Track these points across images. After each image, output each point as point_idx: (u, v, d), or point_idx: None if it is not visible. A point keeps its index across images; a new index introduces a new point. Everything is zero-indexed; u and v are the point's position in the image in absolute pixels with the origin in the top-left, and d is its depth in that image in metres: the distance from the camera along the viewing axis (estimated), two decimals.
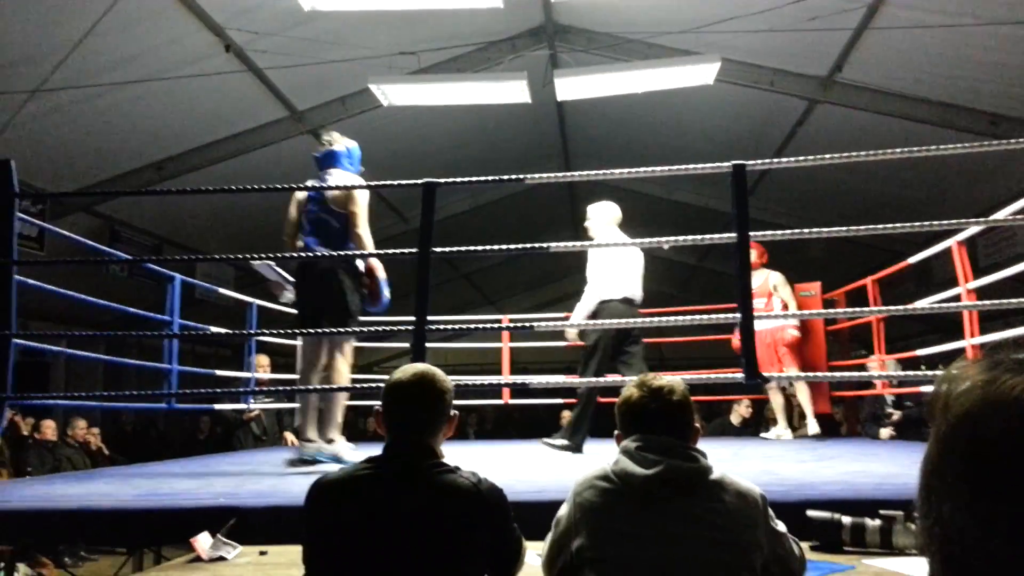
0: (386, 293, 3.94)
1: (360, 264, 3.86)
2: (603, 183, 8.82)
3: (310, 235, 3.86)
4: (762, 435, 6.55)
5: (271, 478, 3.55)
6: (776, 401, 6.24)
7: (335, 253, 3.71)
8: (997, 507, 0.48)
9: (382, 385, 1.91)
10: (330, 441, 3.74)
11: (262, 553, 2.35)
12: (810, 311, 6.11)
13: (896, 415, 5.80)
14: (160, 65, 5.92)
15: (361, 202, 3.82)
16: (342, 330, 3.71)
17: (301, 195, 3.98)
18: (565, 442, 4.63)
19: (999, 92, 6.09)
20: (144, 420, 10.37)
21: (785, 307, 5.93)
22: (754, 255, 5.87)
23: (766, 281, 5.99)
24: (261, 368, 6.54)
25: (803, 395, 6.10)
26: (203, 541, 2.32)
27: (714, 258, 12.20)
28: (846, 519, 2.22)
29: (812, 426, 6.00)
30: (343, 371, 3.82)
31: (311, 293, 3.82)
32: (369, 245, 3.82)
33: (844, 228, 3.30)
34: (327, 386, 3.74)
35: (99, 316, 8.58)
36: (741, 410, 7.38)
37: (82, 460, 6.91)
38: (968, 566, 0.50)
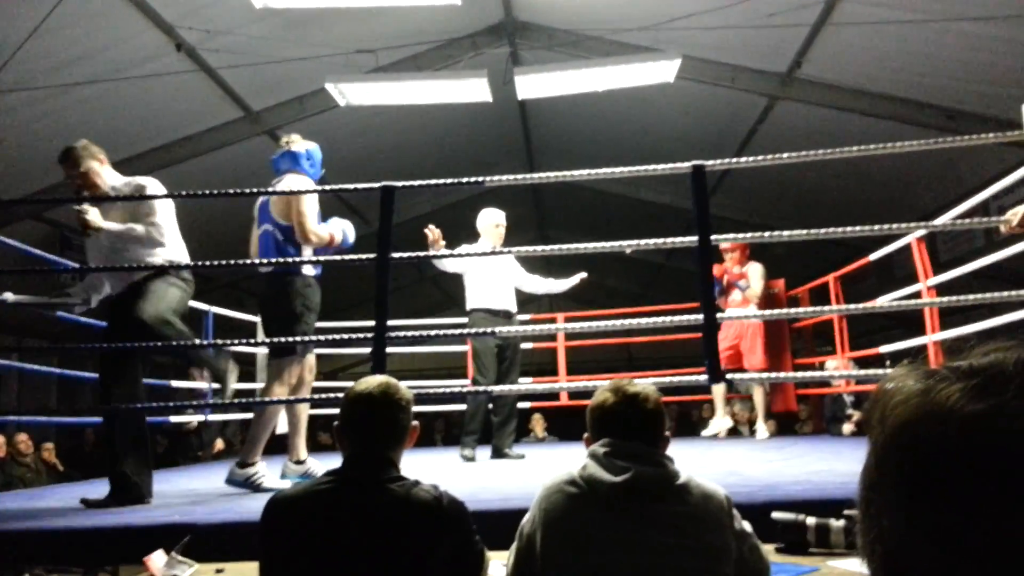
0: (351, 237, 3.80)
1: (310, 270, 3.67)
2: (566, 183, 8.80)
3: (260, 253, 3.69)
4: (703, 433, 6.49)
5: (227, 495, 3.45)
6: (756, 397, 6.21)
7: (293, 259, 3.59)
8: (937, 519, 0.47)
9: (341, 396, 1.87)
10: (250, 464, 3.49)
11: (219, 571, 2.29)
12: (773, 311, 6.16)
13: (856, 415, 5.85)
14: (109, 65, 5.76)
15: (306, 210, 3.55)
16: (303, 339, 3.57)
17: (256, 209, 3.83)
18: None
19: (957, 88, 6.19)
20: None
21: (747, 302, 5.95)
22: (738, 252, 5.93)
23: (747, 275, 6.02)
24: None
25: (758, 397, 6.13)
26: (157, 560, 2.25)
27: (679, 257, 12.27)
28: (810, 520, 2.22)
29: (761, 431, 6.03)
30: (276, 393, 3.54)
31: (262, 313, 3.70)
32: (332, 237, 3.66)
33: (804, 231, 3.29)
34: (260, 400, 3.53)
35: (51, 327, 8.34)
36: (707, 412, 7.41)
37: (35, 476, 6.70)
38: None
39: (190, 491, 3.63)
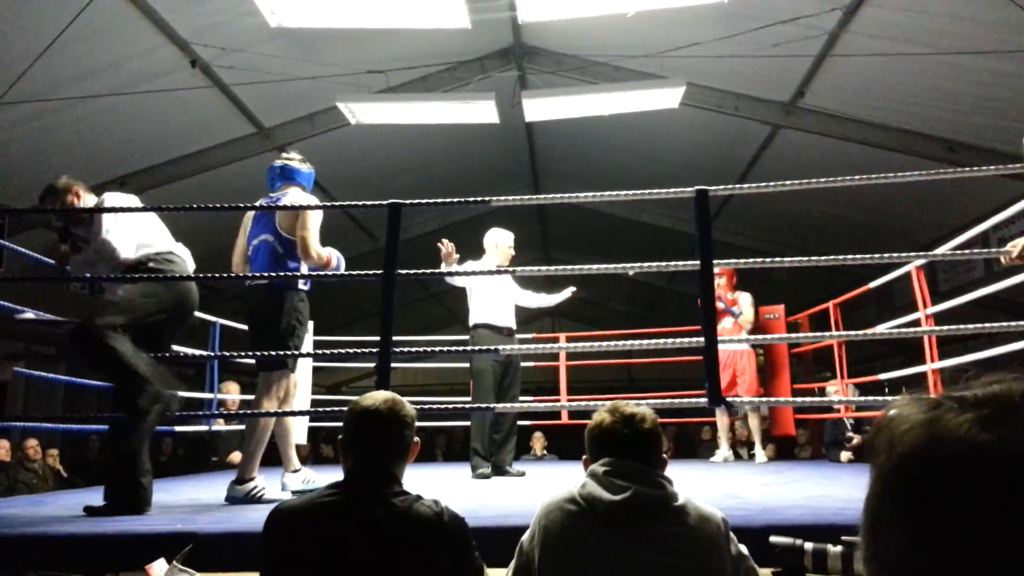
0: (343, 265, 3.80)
1: (303, 285, 3.68)
2: (570, 204, 8.87)
3: (256, 264, 3.69)
4: (710, 460, 6.49)
5: (230, 504, 3.48)
6: (752, 422, 6.25)
7: (291, 274, 3.63)
8: (946, 545, 0.48)
9: (344, 409, 1.90)
10: (248, 480, 3.51)
11: None
12: (774, 335, 6.19)
13: (856, 439, 5.87)
14: (124, 79, 5.85)
15: (312, 227, 3.60)
16: (303, 352, 3.63)
17: (247, 219, 3.84)
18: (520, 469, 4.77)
19: (957, 120, 6.26)
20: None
21: (740, 329, 5.99)
22: (726, 278, 5.99)
23: (737, 302, 6.08)
24: (228, 394, 6.54)
25: (754, 423, 6.15)
26: (158, 568, 2.27)
27: (682, 281, 12.31)
28: (808, 545, 2.22)
29: (759, 455, 6.05)
30: (267, 407, 3.57)
31: (254, 324, 3.68)
32: (330, 260, 3.69)
33: (805, 258, 3.35)
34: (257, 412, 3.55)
35: (58, 335, 8.38)
36: (705, 435, 7.42)
37: (40, 482, 6.72)
38: None
39: (194, 500, 3.66)
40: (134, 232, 3.41)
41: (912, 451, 0.52)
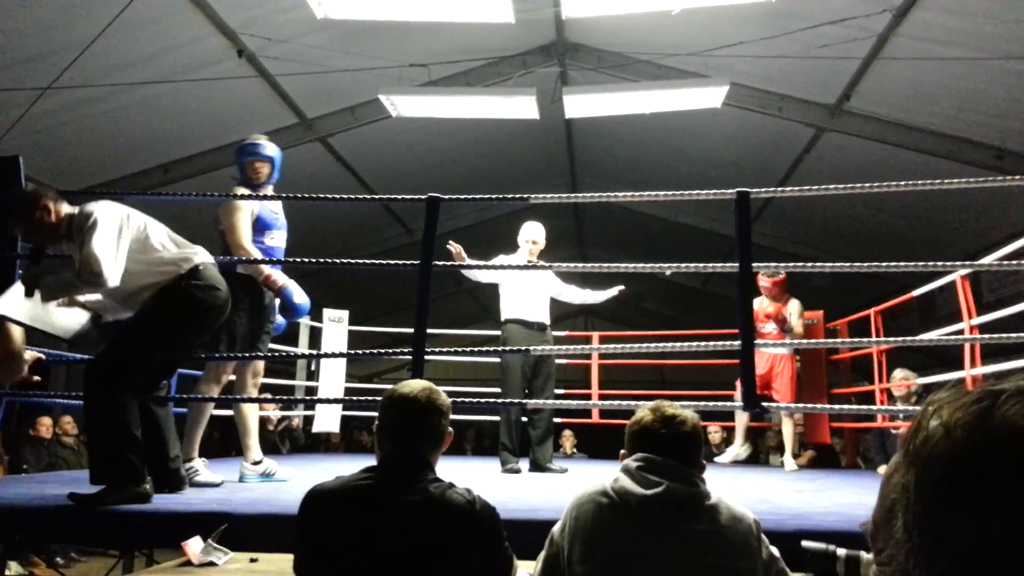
0: (298, 299, 3.71)
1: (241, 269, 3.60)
2: (608, 203, 8.84)
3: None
4: (717, 458, 6.39)
5: (264, 486, 3.54)
6: (785, 429, 6.13)
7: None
8: (1004, 529, 0.48)
9: (379, 398, 1.92)
10: (186, 460, 3.48)
11: (253, 560, 2.35)
12: (812, 340, 6.10)
13: None
14: (171, 67, 5.95)
15: (236, 218, 3.61)
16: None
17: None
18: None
19: (1006, 127, 6.11)
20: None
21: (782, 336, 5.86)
22: (775, 287, 5.81)
23: (785, 307, 5.89)
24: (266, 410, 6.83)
25: (787, 429, 6.05)
26: (194, 546, 2.32)
27: (718, 282, 12.21)
28: (841, 551, 2.20)
29: (789, 463, 5.94)
30: (206, 391, 3.60)
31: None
32: (255, 255, 3.66)
33: (847, 264, 3.30)
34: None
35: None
36: (715, 436, 7.34)
37: (76, 459, 6.89)
38: None
39: (228, 481, 3.71)
40: (138, 252, 2.98)
41: (969, 442, 0.51)
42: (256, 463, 3.78)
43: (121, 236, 2.87)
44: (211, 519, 2.45)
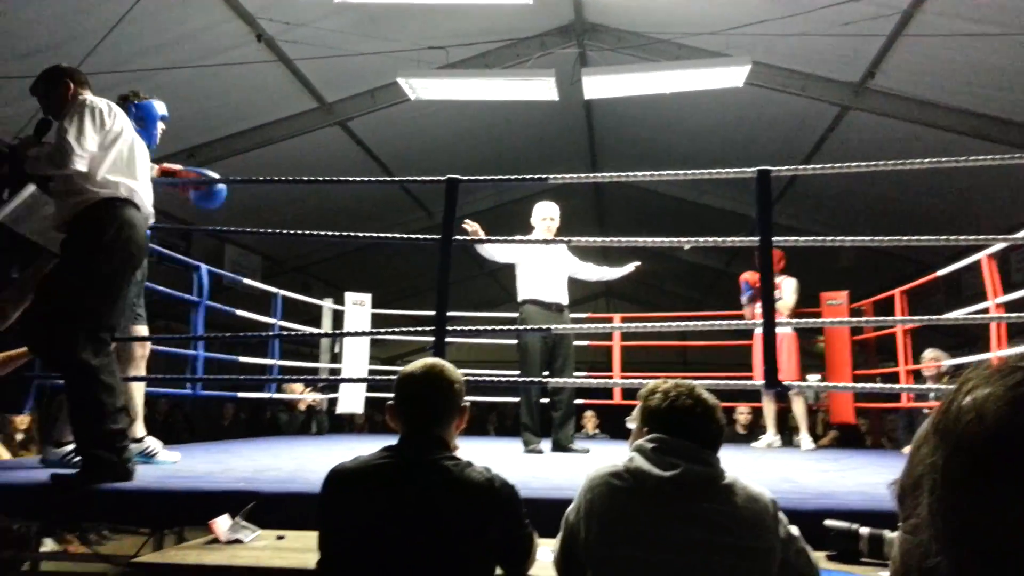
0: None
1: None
2: (628, 184, 8.80)
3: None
4: (752, 444, 6.38)
5: (290, 464, 3.60)
6: (797, 408, 6.13)
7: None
8: None
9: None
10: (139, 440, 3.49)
11: (279, 537, 2.38)
12: (836, 319, 6.05)
13: None
14: (192, 52, 5.99)
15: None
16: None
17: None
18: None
19: None
20: (172, 405, 10.52)
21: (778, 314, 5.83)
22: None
23: (780, 286, 5.91)
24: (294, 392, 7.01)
25: (798, 409, 6.03)
26: (222, 523, 2.35)
27: (739, 263, 12.12)
28: (864, 530, 2.19)
29: (805, 441, 5.92)
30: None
31: None
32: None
33: (868, 238, 3.27)
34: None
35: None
36: (741, 418, 7.30)
37: None
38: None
39: (255, 461, 3.77)
40: (108, 152, 2.94)
41: (999, 426, 0.51)
42: (136, 440, 3.57)
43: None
44: (239, 498, 2.49)
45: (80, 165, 2.82)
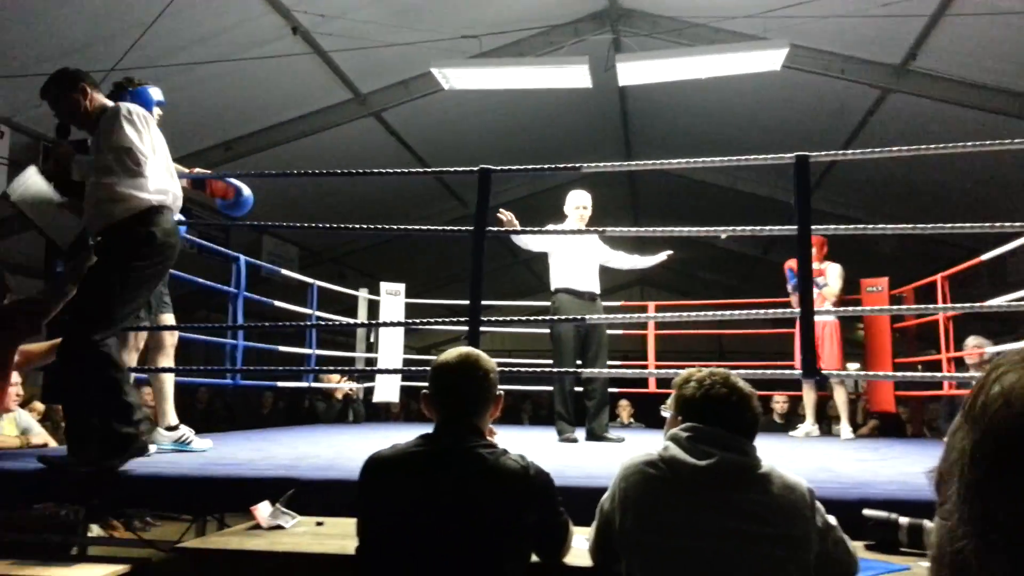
0: (244, 191, 3.69)
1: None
2: (663, 171, 8.72)
3: None
4: (791, 433, 6.28)
5: (329, 452, 3.65)
6: (838, 397, 6.04)
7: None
8: None
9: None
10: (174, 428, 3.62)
11: (319, 524, 2.42)
12: (875, 307, 5.95)
13: None
14: (228, 47, 6.05)
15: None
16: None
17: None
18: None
19: None
20: (213, 394, 10.73)
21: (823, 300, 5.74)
22: (816, 249, 5.72)
23: (824, 272, 5.83)
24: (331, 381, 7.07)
25: (840, 397, 5.94)
26: (263, 510, 2.39)
27: (778, 250, 11.96)
28: (903, 519, 2.16)
29: (845, 431, 5.83)
30: (126, 359, 3.48)
31: None
32: None
33: (909, 226, 3.20)
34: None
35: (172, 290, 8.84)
36: (778, 406, 7.22)
37: (151, 428, 7.18)
38: None
39: (294, 449, 3.83)
40: (157, 158, 2.99)
41: None
42: (171, 428, 3.64)
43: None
44: (279, 485, 2.54)
45: (148, 171, 2.90)
